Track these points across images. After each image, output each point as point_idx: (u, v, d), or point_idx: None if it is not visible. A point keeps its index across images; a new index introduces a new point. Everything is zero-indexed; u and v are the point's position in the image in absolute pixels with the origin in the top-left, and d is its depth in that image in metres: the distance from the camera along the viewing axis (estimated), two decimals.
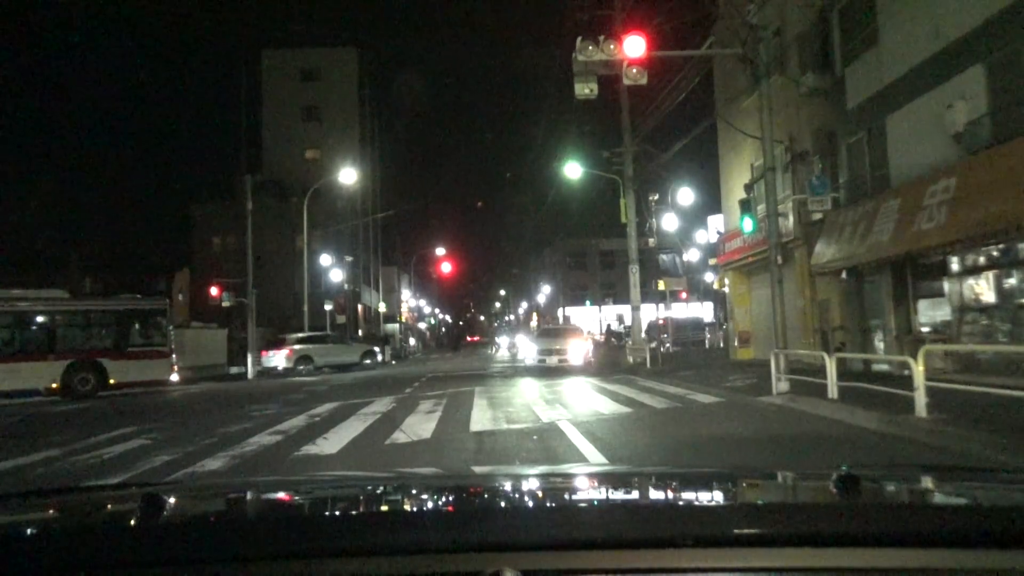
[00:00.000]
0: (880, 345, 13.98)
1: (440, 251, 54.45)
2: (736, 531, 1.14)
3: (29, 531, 1.43)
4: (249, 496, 1.88)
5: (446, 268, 54.16)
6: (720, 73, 20.54)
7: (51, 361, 18.11)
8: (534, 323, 63.86)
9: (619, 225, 22.07)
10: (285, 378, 24.73)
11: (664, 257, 30.83)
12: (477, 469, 4.74)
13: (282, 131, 49.85)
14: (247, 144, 46.40)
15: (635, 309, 21.12)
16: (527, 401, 11.70)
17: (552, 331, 24.70)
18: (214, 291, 30.48)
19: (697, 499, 1.65)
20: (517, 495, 1.73)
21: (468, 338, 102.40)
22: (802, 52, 16.03)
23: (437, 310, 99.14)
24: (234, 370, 27.40)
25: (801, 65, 15.93)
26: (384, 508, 1.66)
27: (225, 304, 29.47)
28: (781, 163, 16.08)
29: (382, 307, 57.70)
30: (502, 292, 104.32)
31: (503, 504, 1.63)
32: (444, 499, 1.69)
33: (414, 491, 1.86)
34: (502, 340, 58.25)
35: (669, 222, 29.10)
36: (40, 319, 18.86)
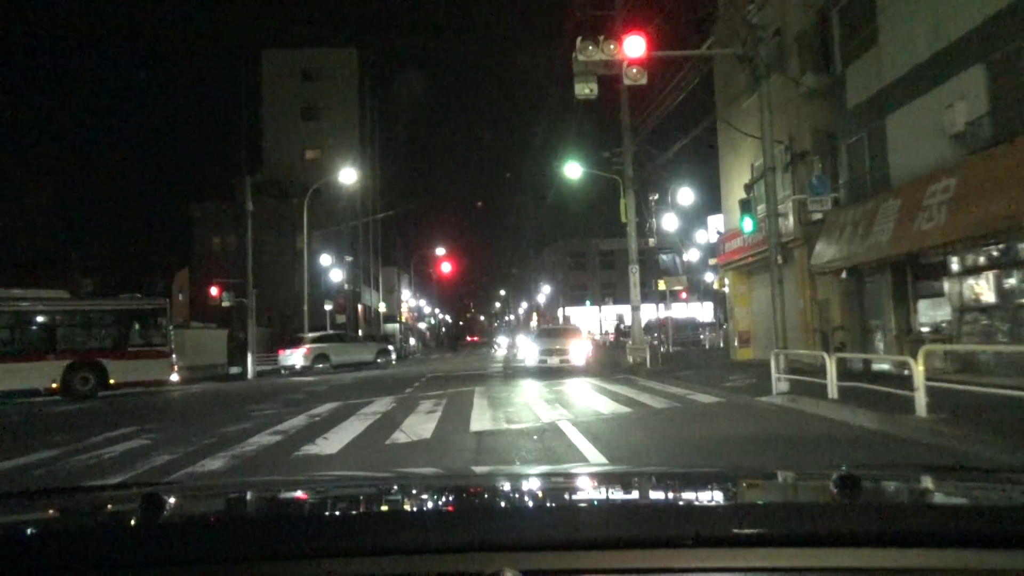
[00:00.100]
0: (880, 345, 13.98)
1: (440, 251, 54.45)
2: (736, 531, 1.14)
3: (29, 531, 1.43)
4: (249, 496, 1.88)
5: (446, 268, 54.18)
6: (720, 73, 20.54)
7: (51, 361, 18.10)
8: (534, 323, 63.88)
9: (619, 225, 22.06)
10: (286, 378, 24.74)
11: (664, 257, 30.85)
12: (477, 469, 4.74)
13: (282, 131, 49.85)
14: (247, 144, 46.47)
15: (635, 309, 21.11)
16: (527, 401, 11.70)
17: (552, 331, 24.43)
18: (214, 291, 30.50)
19: (697, 499, 1.65)
20: (517, 495, 1.73)
21: (468, 338, 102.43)
22: (802, 52, 16.03)
23: (437, 310, 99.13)
24: (234, 370, 27.41)
25: (801, 65, 15.93)
26: (384, 508, 1.66)
27: (225, 304, 29.48)
28: (781, 163, 16.08)
29: (382, 307, 57.73)
30: (502, 292, 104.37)
31: (503, 504, 1.63)
32: (444, 499, 1.69)
33: (414, 491, 1.86)
34: (502, 340, 58.25)
35: (669, 222, 29.11)
36: (40, 319, 18.85)
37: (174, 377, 20.71)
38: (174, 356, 20.50)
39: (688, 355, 27.35)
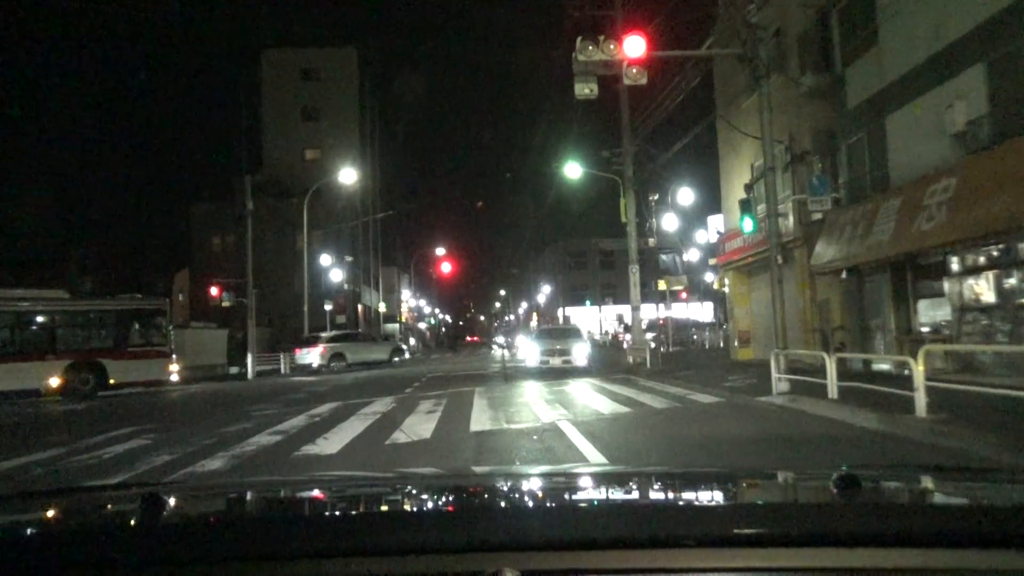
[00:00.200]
0: (880, 345, 13.98)
1: (440, 251, 54.48)
2: (736, 531, 1.14)
3: (29, 531, 1.43)
4: (249, 496, 1.88)
5: (446, 268, 54.14)
6: (720, 73, 20.54)
7: (51, 361, 18.09)
8: (534, 323, 63.86)
9: (619, 225, 22.05)
10: (286, 378, 24.74)
11: (664, 257, 30.84)
12: (477, 469, 4.74)
13: (282, 131, 49.84)
14: (247, 144, 46.45)
15: (635, 309, 21.11)
16: (527, 401, 11.70)
17: (553, 331, 24.11)
18: (214, 291, 30.52)
19: (697, 499, 1.65)
20: (517, 495, 1.73)
21: (468, 338, 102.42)
22: (802, 52, 16.04)
23: (437, 310, 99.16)
24: (233, 370, 27.42)
25: (801, 65, 15.93)
26: (384, 508, 1.66)
27: (225, 304, 29.51)
28: (781, 163, 16.08)
29: (382, 307, 57.75)
30: (502, 292, 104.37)
31: (503, 504, 1.63)
32: (444, 499, 1.69)
33: (414, 491, 1.87)
34: (502, 340, 58.26)
35: (669, 222, 29.11)
36: (40, 319, 18.85)
37: (174, 377, 20.71)
38: (174, 356, 20.50)
39: (688, 355, 27.35)
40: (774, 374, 10.73)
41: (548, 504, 1.62)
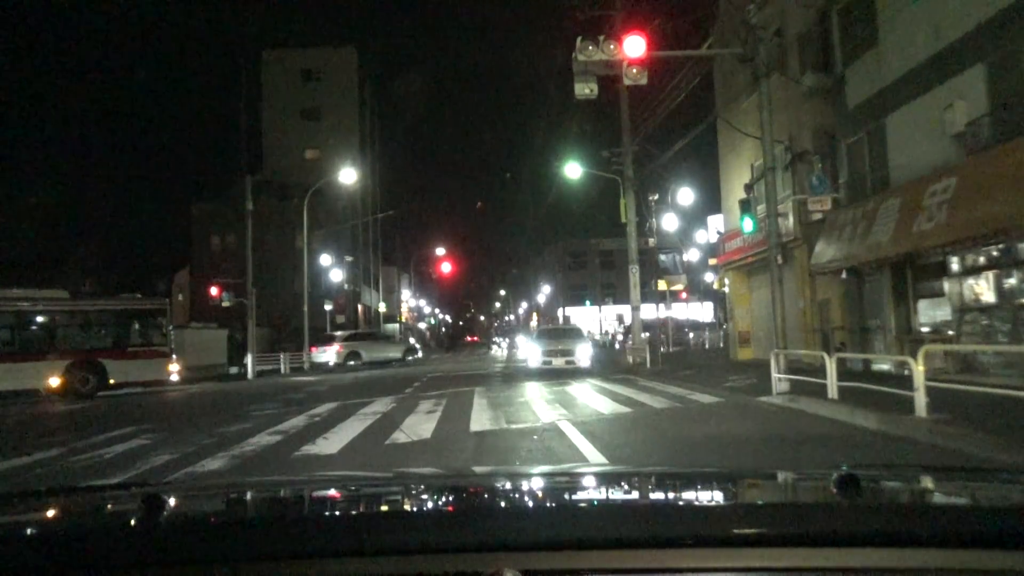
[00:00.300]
0: (880, 345, 13.98)
1: (440, 251, 54.47)
2: (736, 531, 1.14)
3: (29, 531, 1.43)
4: (249, 496, 1.88)
5: (446, 268, 54.14)
6: (720, 73, 20.54)
7: (51, 361, 18.09)
8: (534, 323, 63.86)
9: (619, 225, 22.06)
10: (285, 378, 24.74)
11: (664, 257, 30.81)
12: (477, 469, 4.74)
13: (282, 131, 49.87)
14: (247, 144, 46.44)
15: (635, 309, 21.11)
16: (527, 401, 11.70)
17: (555, 331, 23.80)
18: (214, 291, 30.49)
19: (697, 499, 1.65)
20: (517, 495, 1.73)
21: (467, 338, 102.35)
22: (802, 52, 16.04)
23: (437, 310, 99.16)
24: (233, 370, 27.43)
25: (801, 65, 15.93)
26: (384, 508, 1.66)
27: (225, 304, 29.46)
28: (781, 163, 16.08)
29: (382, 307, 57.76)
30: (502, 292, 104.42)
31: (503, 504, 1.63)
32: (444, 499, 1.69)
33: (414, 491, 1.87)
34: (502, 340, 58.29)
35: (669, 222, 29.11)
36: (40, 319, 18.85)
37: (174, 377, 20.70)
38: (174, 356, 20.49)
39: (688, 355, 27.36)
40: (774, 374, 10.73)
41: (548, 504, 1.62)
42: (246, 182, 26.39)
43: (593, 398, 11.91)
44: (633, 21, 17.87)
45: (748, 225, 15.15)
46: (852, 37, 14.41)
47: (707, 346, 35.20)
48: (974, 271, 11.73)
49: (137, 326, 19.79)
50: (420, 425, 9.00)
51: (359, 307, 51.44)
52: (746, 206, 15.76)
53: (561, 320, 55.67)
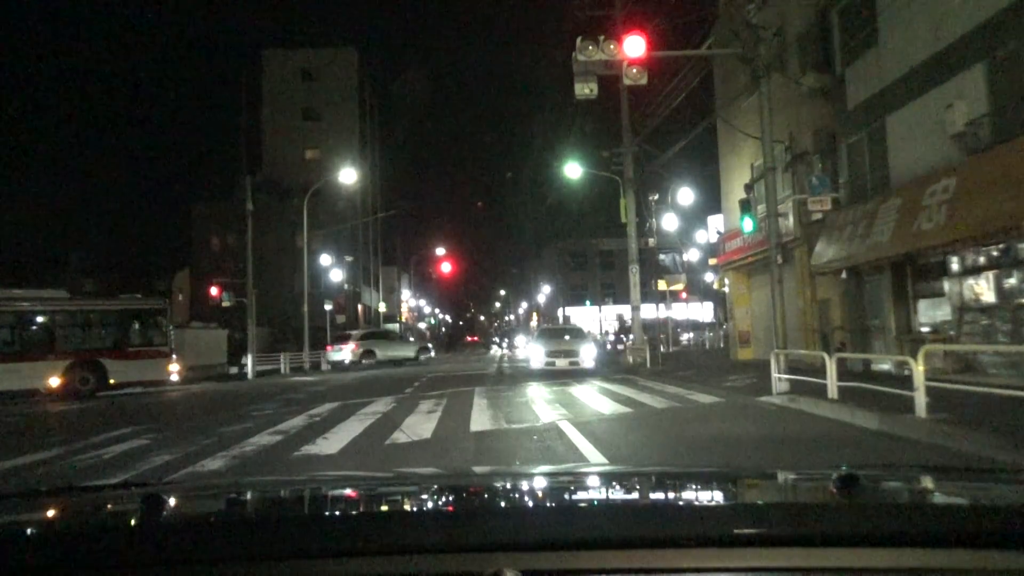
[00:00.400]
0: (880, 345, 13.98)
1: (440, 251, 54.47)
2: (736, 531, 1.14)
3: (29, 531, 1.43)
4: (249, 496, 1.88)
5: (446, 268, 54.13)
6: (720, 73, 20.55)
7: (51, 361, 18.08)
8: (534, 323, 63.85)
9: (619, 225, 22.06)
10: (285, 378, 24.75)
11: (664, 257, 30.86)
12: (477, 469, 4.74)
13: (282, 131, 49.88)
14: (247, 144, 46.44)
15: (635, 309, 21.11)
16: (527, 401, 11.69)
17: (557, 331, 23.26)
18: (214, 291, 30.53)
19: (697, 499, 1.65)
20: (517, 495, 1.73)
21: (467, 338, 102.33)
22: (802, 52, 16.04)
23: (437, 310, 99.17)
24: (233, 370, 27.42)
25: (801, 65, 15.93)
26: (384, 508, 1.66)
27: (225, 304, 29.50)
28: (781, 163, 16.09)
29: (382, 307, 57.75)
30: (502, 292, 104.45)
31: (503, 504, 1.63)
32: (444, 499, 1.69)
33: (414, 491, 1.87)
34: (502, 340, 58.30)
35: (669, 222, 29.12)
36: (40, 319, 18.84)
37: (174, 377, 20.70)
38: (174, 356, 20.48)
39: (688, 355, 27.36)
40: (774, 374, 10.73)
41: (548, 504, 1.62)
42: (246, 182, 26.38)
43: (593, 398, 11.91)
44: (633, 21, 17.88)
45: (748, 225, 15.15)
46: (852, 37, 14.41)
47: (707, 346, 35.20)
48: (974, 271, 11.74)
49: (137, 326, 19.77)
50: (420, 425, 9.00)
51: (359, 307, 51.44)
52: (746, 206, 15.76)
53: (561, 320, 55.65)
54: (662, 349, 25.88)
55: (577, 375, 17.59)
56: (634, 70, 12.40)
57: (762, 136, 12.76)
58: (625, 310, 33.16)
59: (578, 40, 12.51)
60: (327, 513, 1.65)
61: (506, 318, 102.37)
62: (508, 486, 1.90)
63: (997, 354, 10.83)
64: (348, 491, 1.90)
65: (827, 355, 9.71)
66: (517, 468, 5.09)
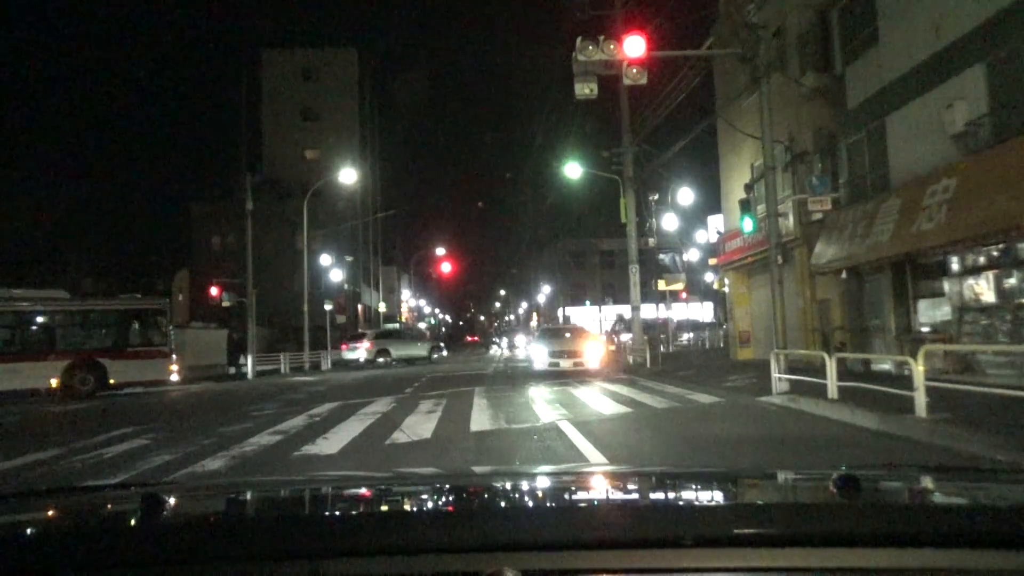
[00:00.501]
0: (880, 345, 13.98)
1: (440, 251, 54.47)
2: (736, 531, 1.14)
3: (29, 531, 1.43)
4: (249, 496, 1.88)
5: (446, 268, 54.13)
6: (720, 73, 20.54)
7: (51, 361, 18.08)
8: (534, 323, 63.83)
9: (619, 225, 22.05)
10: (285, 378, 24.75)
11: (664, 257, 30.86)
12: (477, 469, 4.74)
13: (282, 131, 49.89)
14: (247, 144, 46.46)
15: (635, 309, 21.11)
16: (527, 401, 11.70)
17: (561, 330, 22.80)
18: (214, 291, 30.50)
19: (697, 499, 1.65)
20: (517, 495, 1.73)
21: (467, 338, 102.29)
22: (802, 52, 16.04)
23: (437, 310, 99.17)
24: (233, 370, 27.42)
25: (801, 65, 15.93)
26: (384, 508, 1.66)
27: (225, 304, 29.48)
28: (781, 163, 16.09)
29: (382, 307, 57.74)
30: (502, 292, 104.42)
31: (503, 504, 1.63)
32: (444, 499, 1.69)
33: (414, 491, 1.87)
34: (502, 340, 58.28)
35: (669, 222, 29.11)
36: (40, 319, 18.84)
37: (174, 377, 20.69)
38: (174, 356, 20.48)
39: (688, 355, 27.36)
40: (774, 374, 10.73)
41: (548, 504, 1.62)
42: (246, 182, 26.38)
43: (593, 398, 11.91)
44: (633, 21, 17.88)
45: (748, 225, 15.15)
46: (852, 37, 14.41)
47: (707, 346, 35.20)
48: (974, 271, 11.73)
49: (137, 326, 19.77)
50: (420, 425, 9.00)
51: (359, 307, 51.44)
52: (746, 206, 15.76)
53: (561, 320, 55.65)
54: (662, 349, 25.86)
55: (577, 375, 17.53)
56: (634, 70, 12.40)
57: (762, 136, 12.76)
58: (625, 310, 33.13)
59: (578, 40, 12.51)
60: (327, 513, 1.65)
61: (506, 318, 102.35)
62: (508, 486, 1.90)
63: (997, 354, 10.82)
64: (348, 491, 1.90)
65: (827, 355, 9.71)
66: (517, 468, 5.09)
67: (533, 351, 19.88)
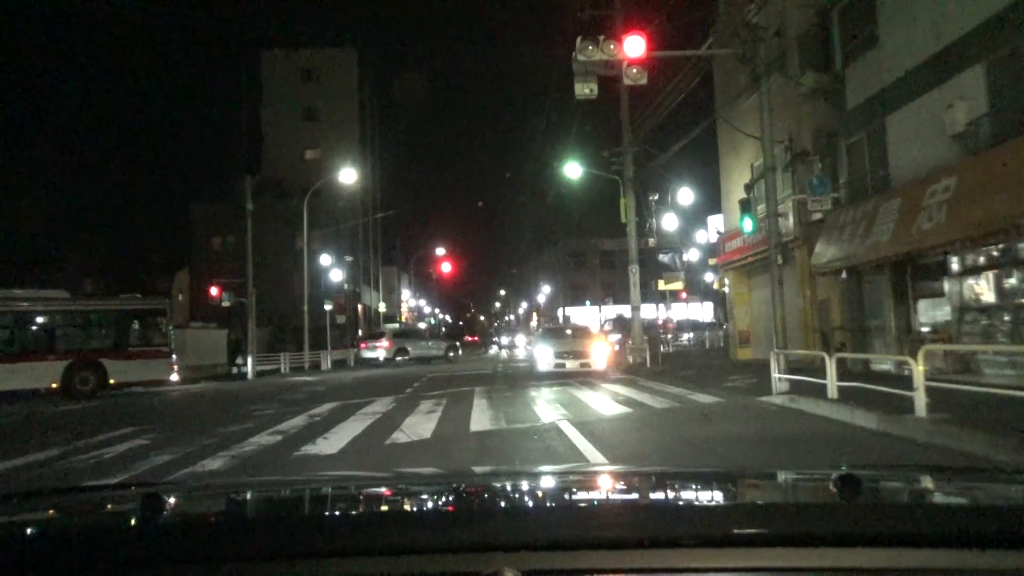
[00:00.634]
0: (880, 345, 13.98)
1: (440, 251, 54.49)
2: (736, 531, 1.14)
3: (29, 531, 1.43)
4: (249, 496, 1.88)
5: (446, 268, 54.14)
6: (720, 73, 20.54)
7: (51, 361, 18.07)
8: (534, 323, 63.83)
9: (619, 225, 22.04)
10: (285, 378, 24.75)
11: (663, 257, 30.83)
12: (477, 469, 4.74)
13: (282, 131, 49.87)
14: (247, 144, 46.42)
15: (635, 309, 21.10)
16: (527, 401, 11.70)
17: (565, 330, 22.12)
18: (214, 291, 30.50)
19: (697, 499, 1.65)
20: (517, 495, 1.73)
21: (467, 338, 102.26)
22: (802, 52, 16.03)
23: (437, 310, 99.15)
24: (233, 370, 27.43)
25: (801, 65, 15.93)
26: (384, 508, 1.66)
27: (225, 304, 29.48)
28: (781, 163, 16.08)
29: (382, 307, 57.76)
30: (502, 292, 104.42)
31: (503, 504, 1.63)
32: (444, 499, 1.69)
33: (414, 491, 1.87)
34: (502, 340, 58.28)
35: (669, 222, 29.10)
36: (40, 319, 18.83)
37: (174, 377, 20.69)
38: (174, 356, 20.48)
39: (688, 355, 27.36)
40: (774, 374, 10.73)
41: (548, 504, 1.62)
42: (246, 182, 26.37)
43: (593, 398, 11.91)
44: (633, 21, 17.88)
45: (748, 225, 15.16)
46: (852, 37, 14.41)
47: (707, 346, 35.21)
48: (974, 271, 11.73)
49: (137, 326, 19.77)
50: (420, 425, 9.00)
51: (359, 307, 51.43)
52: (746, 206, 15.76)
53: (561, 320, 55.63)
54: (662, 349, 25.85)
55: (577, 376, 17.29)
56: (634, 70, 12.40)
57: (762, 136, 12.77)
58: (625, 310, 33.13)
59: (578, 40, 12.51)
60: (327, 513, 1.65)
61: (506, 318, 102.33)
62: (508, 486, 1.90)
63: (997, 354, 10.82)
64: (348, 491, 1.90)
65: (827, 355, 9.71)
66: (517, 468, 5.09)
67: (537, 352, 19.01)
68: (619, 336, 27.89)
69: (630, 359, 20.52)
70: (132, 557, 1.14)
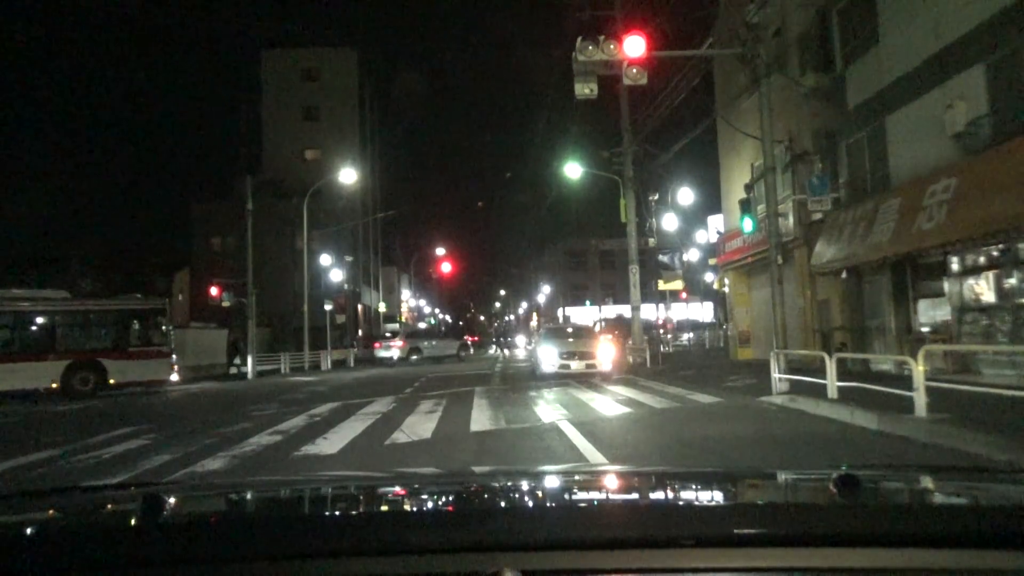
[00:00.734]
0: (880, 345, 13.98)
1: (440, 251, 54.45)
2: (736, 531, 1.14)
3: (29, 531, 1.43)
4: (249, 496, 1.88)
5: (446, 268, 54.09)
6: (720, 73, 20.54)
7: (51, 361, 18.08)
8: (534, 323, 63.81)
9: (619, 225, 22.04)
10: (285, 378, 24.75)
11: (663, 257, 30.81)
12: (477, 469, 4.74)
13: (282, 131, 49.85)
14: (247, 144, 46.41)
15: (635, 309, 21.10)
16: (527, 401, 11.70)
17: (567, 330, 21.68)
18: (214, 291, 30.49)
19: (697, 499, 1.65)
20: (517, 495, 1.73)
21: (467, 338, 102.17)
22: (802, 52, 16.03)
23: (437, 310, 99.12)
24: (233, 370, 27.44)
25: (801, 65, 15.93)
26: (384, 508, 1.66)
27: (225, 304, 29.48)
28: (781, 163, 16.08)
29: (382, 307, 57.75)
30: (502, 292, 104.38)
31: (503, 504, 1.63)
32: (444, 499, 1.69)
33: (414, 491, 1.86)
34: (502, 340, 58.28)
35: (669, 222, 29.09)
36: (40, 319, 18.84)
37: (174, 377, 20.69)
38: (174, 356, 20.48)
39: (688, 355, 27.36)
40: (774, 374, 10.73)
41: (548, 504, 1.62)
42: (246, 182, 26.37)
43: (593, 398, 11.91)
44: (633, 21, 17.88)
45: (748, 225, 15.16)
46: (852, 37, 14.40)
47: (707, 346, 35.21)
48: (974, 271, 11.73)
49: (137, 326, 19.77)
50: (420, 425, 9.00)
51: (359, 307, 51.42)
52: (746, 206, 15.76)
53: (560, 319, 55.61)
54: (663, 349, 25.84)
55: (576, 376, 16.95)
56: (634, 70, 12.40)
57: (762, 136, 12.77)
58: (625, 310, 33.13)
59: (578, 40, 12.51)
60: (327, 513, 1.65)
61: (506, 318, 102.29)
62: (508, 486, 1.90)
63: (997, 354, 10.82)
64: (348, 491, 1.90)
65: (827, 355, 9.71)
66: (517, 468, 5.09)
67: (540, 352, 18.31)
68: (611, 336, 27.61)
69: (630, 359, 20.52)
70: (132, 557, 1.14)
